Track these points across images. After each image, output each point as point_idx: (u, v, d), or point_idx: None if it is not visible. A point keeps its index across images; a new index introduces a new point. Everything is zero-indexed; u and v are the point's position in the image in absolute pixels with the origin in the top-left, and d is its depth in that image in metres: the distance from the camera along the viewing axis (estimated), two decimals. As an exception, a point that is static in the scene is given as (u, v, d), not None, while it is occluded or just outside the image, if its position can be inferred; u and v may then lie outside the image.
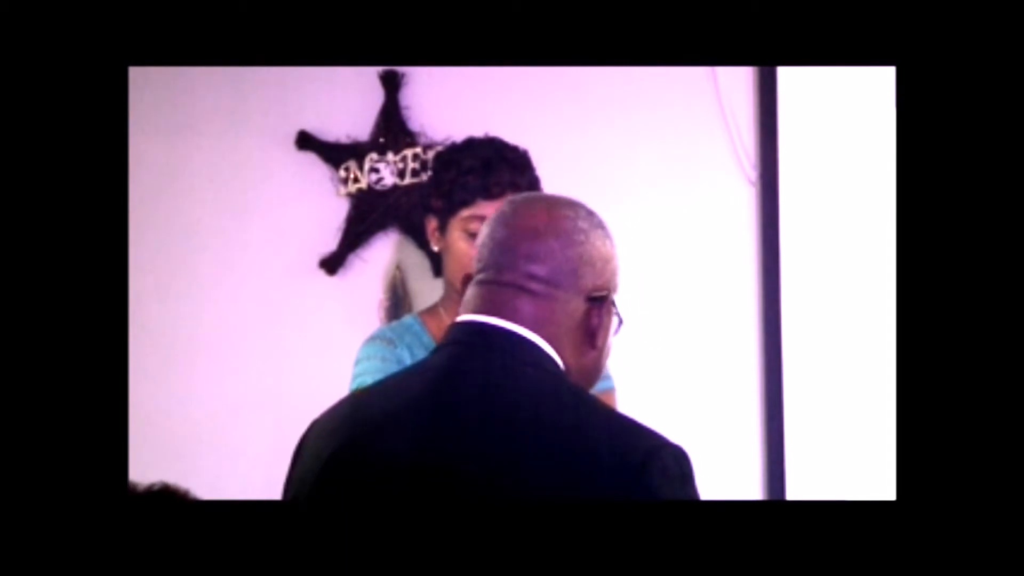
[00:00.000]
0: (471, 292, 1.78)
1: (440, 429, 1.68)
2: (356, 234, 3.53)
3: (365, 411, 1.77)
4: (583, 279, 1.76)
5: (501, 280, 1.75)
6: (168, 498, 2.02)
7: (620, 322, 1.82)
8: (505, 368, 1.71)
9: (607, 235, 1.80)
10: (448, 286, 2.62)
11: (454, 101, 3.48)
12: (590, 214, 1.80)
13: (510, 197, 1.85)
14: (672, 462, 1.66)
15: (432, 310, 2.66)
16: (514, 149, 2.63)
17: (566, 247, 1.75)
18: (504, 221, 1.78)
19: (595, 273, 1.77)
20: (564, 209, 1.78)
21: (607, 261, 1.79)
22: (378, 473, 1.68)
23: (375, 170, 3.50)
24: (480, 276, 1.78)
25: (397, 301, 3.45)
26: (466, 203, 2.54)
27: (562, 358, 1.75)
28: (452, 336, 1.77)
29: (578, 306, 1.76)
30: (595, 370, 1.81)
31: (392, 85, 3.51)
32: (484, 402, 1.69)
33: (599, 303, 1.77)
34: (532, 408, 1.68)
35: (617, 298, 1.81)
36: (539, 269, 1.74)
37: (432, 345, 2.44)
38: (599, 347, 1.78)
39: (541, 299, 1.74)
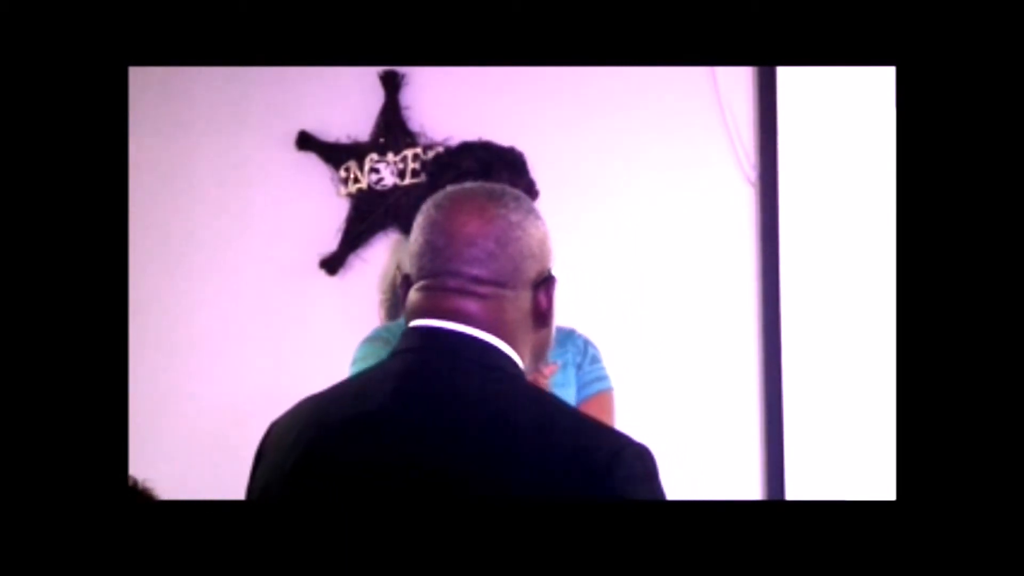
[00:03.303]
0: (418, 297, 1.77)
1: (404, 434, 1.67)
2: (356, 234, 3.53)
3: (326, 417, 1.76)
4: (527, 272, 1.76)
5: (447, 287, 1.75)
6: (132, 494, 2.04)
7: (555, 280, 1.82)
8: (464, 372, 1.71)
9: (537, 215, 1.80)
10: None
11: (454, 101, 3.49)
12: (517, 200, 1.79)
13: (434, 197, 1.82)
14: (636, 462, 1.66)
15: None
16: (511, 151, 2.62)
17: (505, 247, 1.75)
18: (439, 228, 1.77)
19: (536, 261, 1.78)
20: (494, 206, 1.77)
21: (543, 243, 1.79)
22: (345, 478, 1.68)
23: (375, 170, 3.51)
24: (424, 283, 1.77)
25: (397, 301, 3.45)
26: None
27: (518, 350, 1.75)
28: (408, 342, 1.76)
29: (526, 297, 1.76)
30: (548, 345, 1.82)
31: (392, 85, 3.52)
32: (446, 407, 1.69)
33: (544, 285, 1.78)
34: (493, 411, 1.68)
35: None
36: (483, 273, 1.74)
37: None
38: (550, 323, 1.80)
39: (490, 300, 1.74)
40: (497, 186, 1.84)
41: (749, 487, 3.23)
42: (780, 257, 3.22)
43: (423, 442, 1.66)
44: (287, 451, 1.75)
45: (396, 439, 1.68)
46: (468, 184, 1.86)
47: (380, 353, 2.55)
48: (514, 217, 1.77)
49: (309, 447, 1.73)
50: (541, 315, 1.78)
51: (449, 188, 1.83)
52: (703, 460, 3.21)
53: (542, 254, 1.79)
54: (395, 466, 1.66)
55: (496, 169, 2.55)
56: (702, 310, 3.31)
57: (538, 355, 1.82)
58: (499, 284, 1.75)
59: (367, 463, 1.68)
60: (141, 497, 2.19)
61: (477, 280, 1.74)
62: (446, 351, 1.73)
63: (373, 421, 1.70)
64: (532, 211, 1.80)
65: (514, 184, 2.52)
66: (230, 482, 3.38)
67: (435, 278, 1.76)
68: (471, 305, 1.74)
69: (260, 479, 1.80)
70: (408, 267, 1.81)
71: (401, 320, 2.75)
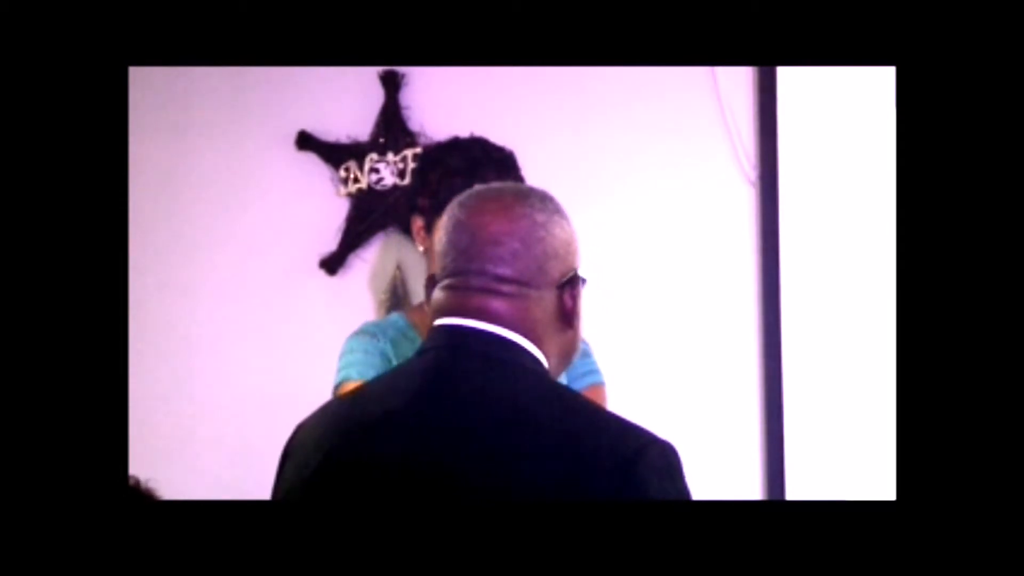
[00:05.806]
0: (442, 296, 1.78)
1: (428, 432, 1.68)
2: (356, 234, 3.53)
3: (351, 416, 1.77)
4: (551, 272, 1.77)
5: (471, 286, 1.75)
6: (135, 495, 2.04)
7: (584, 282, 1.83)
8: (487, 370, 1.72)
9: (563, 216, 1.81)
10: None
11: (454, 101, 3.48)
12: (544, 200, 1.80)
13: (460, 196, 1.83)
14: (659, 458, 1.66)
15: (418, 307, 2.66)
16: (500, 150, 2.61)
17: (529, 247, 1.76)
18: (464, 227, 1.78)
19: (560, 262, 1.78)
20: (520, 206, 1.78)
21: (569, 245, 1.80)
22: (368, 478, 1.68)
23: (375, 170, 3.50)
24: (448, 281, 1.78)
25: (397, 301, 3.45)
26: None
27: (543, 349, 1.76)
28: (433, 340, 1.77)
29: (551, 297, 1.77)
30: (575, 347, 1.83)
31: (392, 85, 3.51)
32: (471, 404, 1.69)
33: (569, 286, 1.78)
34: (518, 409, 1.68)
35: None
36: (506, 272, 1.75)
37: (417, 339, 2.44)
38: (575, 325, 1.80)
39: (514, 299, 1.75)
40: (524, 186, 1.86)
41: (749, 487, 3.23)
42: (780, 257, 3.22)
43: (444, 441, 1.67)
44: (311, 452, 1.76)
45: (418, 438, 1.68)
46: (496, 184, 1.87)
47: (368, 347, 2.55)
48: (539, 217, 1.78)
49: (333, 448, 1.73)
50: (566, 315, 1.79)
51: (476, 187, 1.84)
52: (703, 460, 3.21)
53: (567, 254, 1.79)
54: (417, 465, 1.66)
55: (483, 167, 2.53)
56: (702, 310, 3.30)
57: (564, 357, 1.82)
58: (523, 283, 1.75)
59: (389, 463, 1.68)
60: (144, 497, 2.19)
61: (501, 279, 1.75)
62: (470, 349, 1.74)
63: (394, 421, 1.71)
64: (558, 212, 1.81)
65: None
66: (231, 482, 3.38)
67: (459, 277, 1.77)
68: (496, 303, 1.75)
69: (286, 480, 1.80)
70: (433, 266, 1.81)
71: (390, 316, 2.76)
